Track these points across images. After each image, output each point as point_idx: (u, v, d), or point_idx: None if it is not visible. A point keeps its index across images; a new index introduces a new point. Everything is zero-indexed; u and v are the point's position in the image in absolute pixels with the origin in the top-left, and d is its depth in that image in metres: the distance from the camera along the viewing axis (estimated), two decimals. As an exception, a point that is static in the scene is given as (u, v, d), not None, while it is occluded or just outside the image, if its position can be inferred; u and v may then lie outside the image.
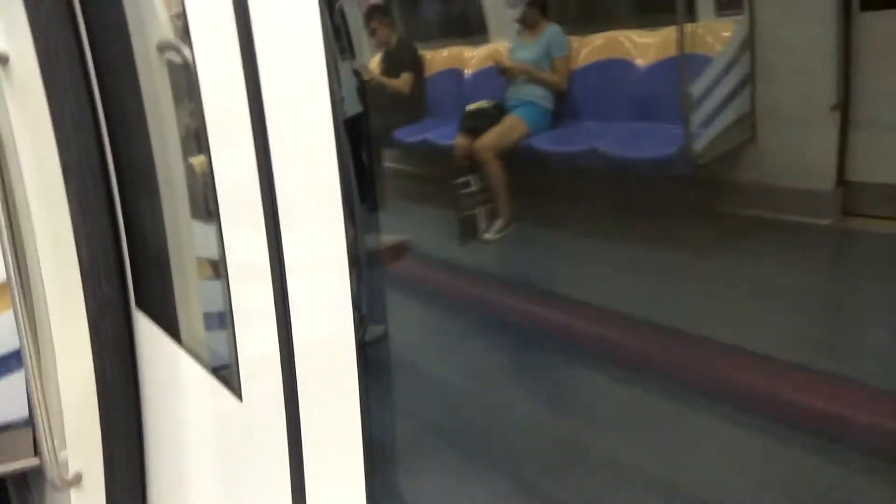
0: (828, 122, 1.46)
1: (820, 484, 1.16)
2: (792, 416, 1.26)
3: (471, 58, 2.50)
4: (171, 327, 1.78)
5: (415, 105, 2.58)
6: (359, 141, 1.44)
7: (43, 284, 1.92)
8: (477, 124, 2.17)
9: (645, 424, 1.38)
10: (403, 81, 2.50)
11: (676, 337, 1.49)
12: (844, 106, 1.45)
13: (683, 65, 1.76)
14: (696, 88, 1.69)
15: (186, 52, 1.47)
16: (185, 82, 1.69)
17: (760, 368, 1.34)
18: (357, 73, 2.32)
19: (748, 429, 1.29)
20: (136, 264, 1.93)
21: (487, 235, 1.98)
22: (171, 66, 1.79)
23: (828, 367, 1.32)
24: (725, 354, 1.40)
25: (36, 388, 1.88)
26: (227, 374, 1.45)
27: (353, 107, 1.60)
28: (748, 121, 1.62)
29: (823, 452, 1.20)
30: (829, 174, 1.46)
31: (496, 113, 2.16)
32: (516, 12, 2.07)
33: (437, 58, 2.62)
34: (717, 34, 1.73)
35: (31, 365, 1.88)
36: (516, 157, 2.09)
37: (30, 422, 2.04)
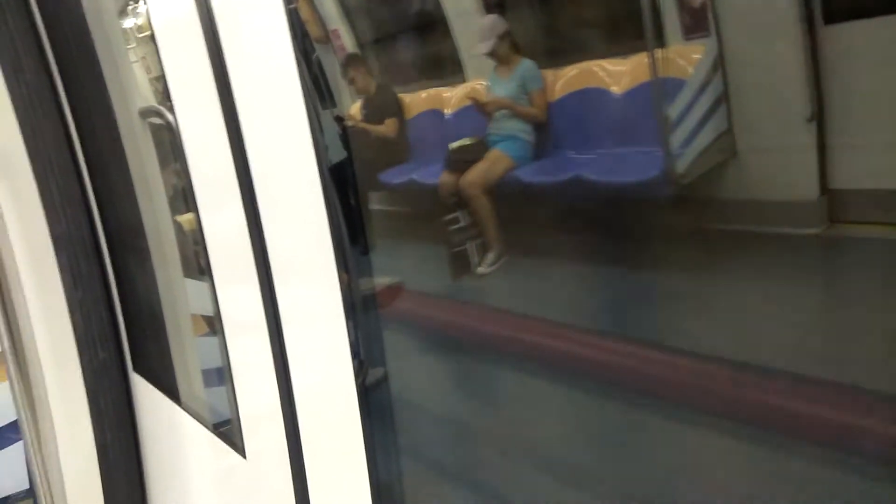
0: (805, 133, 1.48)
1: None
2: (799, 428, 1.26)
3: (450, 98, 2.54)
4: (170, 388, 1.76)
5: (399, 147, 2.60)
6: (346, 186, 1.45)
7: (38, 354, 1.91)
8: (461, 161, 2.19)
9: (650, 447, 1.37)
10: (388, 127, 2.52)
11: (680, 358, 1.48)
12: (820, 116, 1.47)
13: (657, 89, 1.79)
14: (673, 110, 1.72)
15: (168, 115, 1.49)
16: (170, 144, 1.71)
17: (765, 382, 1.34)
18: (339, 121, 2.35)
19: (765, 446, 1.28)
20: (131, 328, 1.93)
21: (480, 269, 1.98)
22: (155, 130, 1.81)
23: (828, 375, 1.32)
24: (733, 374, 1.39)
25: (36, 459, 1.85)
26: (228, 431, 1.43)
27: (338, 154, 1.62)
28: (727, 138, 1.64)
29: (834, 462, 1.19)
30: (812, 183, 1.48)
31: (479, 149, 2.18)
32: (487, 45, 2.10)
33: (417, 100, 2.66)
34: (687, 57, 1.77)
35: (30, 436, 1.85)
36: (502, 191, 2.10)
37: (31, 493, 2.00)
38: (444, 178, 2.15)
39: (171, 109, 1.35)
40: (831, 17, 1.44)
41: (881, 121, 1.32)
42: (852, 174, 1.42)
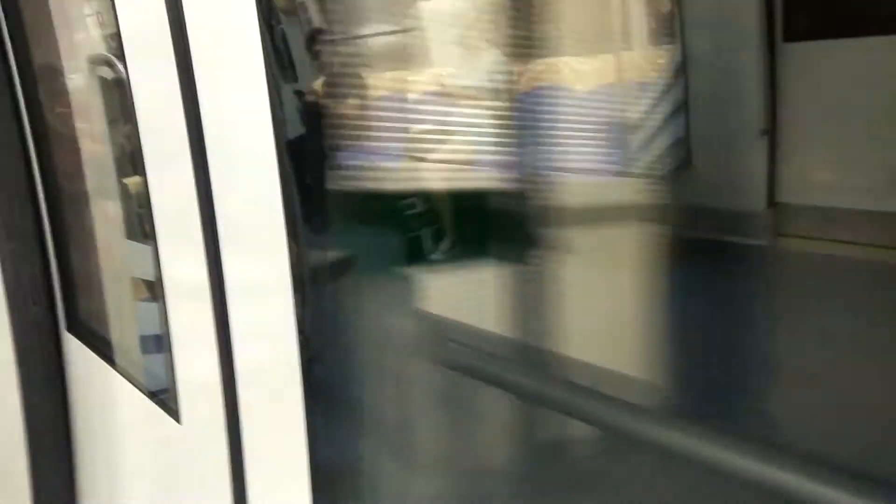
0: (757, 147, 1.53)
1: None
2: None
3: (415, 82, 2.52)
4: (106, 351, 1.71)
5: (360, 128, 2.57)
6: (302, 162, 1.43)
7: (-36, 308, 1.83)
8: (422, 146, 2.18)
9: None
10: (350, 105, 2.50)
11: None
12: (773, 131, 1.51)
13: (619, 90, 1.82)
14: (633, 113, 1.75)
15: (120, 67, 1.44)
16: (119, 100, 1.65)
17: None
18: (300, 95, 2.30)
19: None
20: (66, 286, 1.86)
21: (434, 256, 1.99)
22: (104, 84, 1.75)
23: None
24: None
25: (-44, 418, 1.78)
26: (165, 397, 1.41)
27: (297, 128, 1.60)
28: (683, 144, 1.68)
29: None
30: (760, 196, 1.52)
31: (440, 135, 2.18)
32: (456, 31, 2.10)
33: (382, 81, 2.63)
34: (651, 62, 1.80)
35: (-49, 394, 1.78)
36: (461, 179, 2.11)
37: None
38: (404, 162, 2.14)
39: (125, 67, 1.31)
40: (791, 35, 1.49)
41: (830, 140, 1.37)
42: (798, 190, 1.47)
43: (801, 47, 1.50)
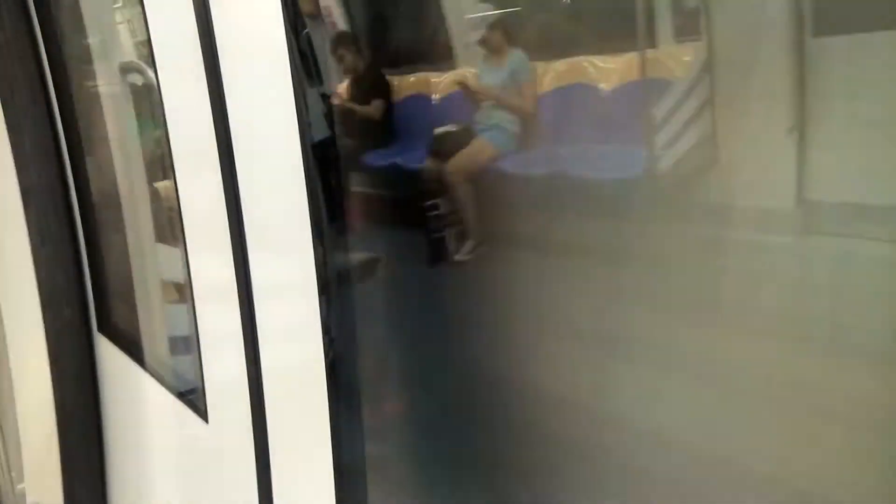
0: (786, 143, 1.51)
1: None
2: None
3: (438, 83, 2.53)
4: (135, 352, 1.75)
5: (383, 130, 2.59)
6: (327, 164, 1.44)
7: (-1, 309, 1.88)
8: (445, 148, 2.19)
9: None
10: (375, 108, 2.51)
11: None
12: (801, 127, 1.49)
13: (645, 89, 1.80)
14: (659, 111, 1.73)
15: (149, 72, 1.47)
16: (149, 106, 1.68)
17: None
18: (325, 98, 2.32)
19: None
20: (98, 288, 1.90)
21: (458, 257, 1.99)
22: (135, 91, 1.78)
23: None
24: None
25: (-8, 418, 1.82)
26: (193, 397, 1.43)
27: (321, 131, 1.61)
28: (710, 142, 1.66)
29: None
30: (789, 193, 1.50)
31: (464, 136, 2.18)
32: (479, 33, 2.10)
33: (405, 83, 2.64)
34: (677, 59, 1.78)
35: (-13, 394, 1.82)
36: (485, 180, 2.11)
37: (-15, 453, 1.97)
38: (428, 163, 2.15)
39: (155, 73, 1.33)
40: (821, 31, 1.46)
41: (861, 136, 1.34)
42: (828, 186, 1.45)
43: (832, 41, 1.48)
